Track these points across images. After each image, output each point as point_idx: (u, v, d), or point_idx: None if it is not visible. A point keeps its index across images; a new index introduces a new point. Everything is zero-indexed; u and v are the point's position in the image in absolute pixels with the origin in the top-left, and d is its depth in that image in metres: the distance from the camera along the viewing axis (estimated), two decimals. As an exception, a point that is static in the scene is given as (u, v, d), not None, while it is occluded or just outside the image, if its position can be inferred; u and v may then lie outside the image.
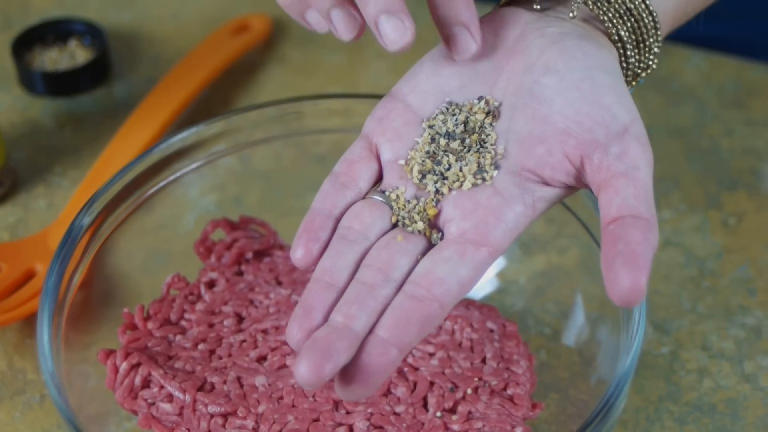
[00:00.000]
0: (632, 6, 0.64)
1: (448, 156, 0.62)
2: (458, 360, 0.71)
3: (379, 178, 0.63)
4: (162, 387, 0.69)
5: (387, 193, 0.62)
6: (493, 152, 0.62)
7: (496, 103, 0.63)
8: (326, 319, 0.57)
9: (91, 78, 0.96)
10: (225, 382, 0.69)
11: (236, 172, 0.81)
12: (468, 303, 0.75)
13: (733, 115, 0.93)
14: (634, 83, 0.66)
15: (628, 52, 0.64)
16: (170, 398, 0.68)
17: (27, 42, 0.96)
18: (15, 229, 0.86)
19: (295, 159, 0.82)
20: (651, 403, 0.75)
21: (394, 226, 0.61)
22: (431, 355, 0.71)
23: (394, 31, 0.60)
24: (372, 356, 0.56)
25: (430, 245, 0.61)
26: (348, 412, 0.68)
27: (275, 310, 0.74)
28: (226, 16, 1.01)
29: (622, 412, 0.74)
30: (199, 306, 0.74)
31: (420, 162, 0.62)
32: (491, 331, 0.73)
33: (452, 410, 0.69)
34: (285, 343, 0.72)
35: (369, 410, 0.68)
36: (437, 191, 0.62)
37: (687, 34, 0.92)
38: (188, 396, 0.68)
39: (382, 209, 0.61)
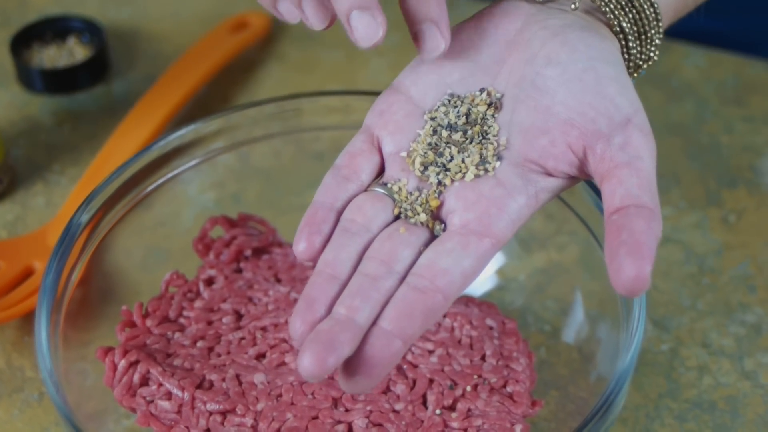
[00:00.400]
0: None
1: (450, 147, 0.62)
2: (458, 357, 0.71)
3: (381, 171, 0.63)
4: (161, 384, 0.68)
5: (389, 185, 0.62)
6: (495, 143, 0.62)
7: (498, 95, 0.63)
8: (329, 311, 0.57)
9: (90, 75, 0.96)
10: (224, 380, 0.69)
11: (235, 170, 0.81)
12: (467, 300, 0.75)
13: (732, 112, 0.93)
14: (635, 74, 0.66)
15: (630, 44, 0.64)
16: (169, 396, 0.68)
17: (25, 39, 0.96)
18: (13, 226, 0.86)
19: (294, 156, 0.82)
20: (651, 401, 0.74)
21: (397, 218, 0.61)
22: (431, 352, 0.71)
23: (366, 28, 0.59)
24: (375, 348, 0.56)
25: (433, 237, 0.60)
26: (347, 410, 0.68)
27: (274, 308, 0.74)
28: (225, 14, 1.01)
29: (622, 410, 0.73)
30: (198, 303, 0.74)
31: (422, 154, 0.62)
32: (491, 328, 0.73)
33: (452, 408, 0.69)
34: (284, 340, 0.72)
35: (368, 408, 0.68)
36: (439, 183, 0.61)
37: (687, 29, 0.91)
38: (187, 393, 0.68)
39: (385, 201, 0.61)
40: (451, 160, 0.62)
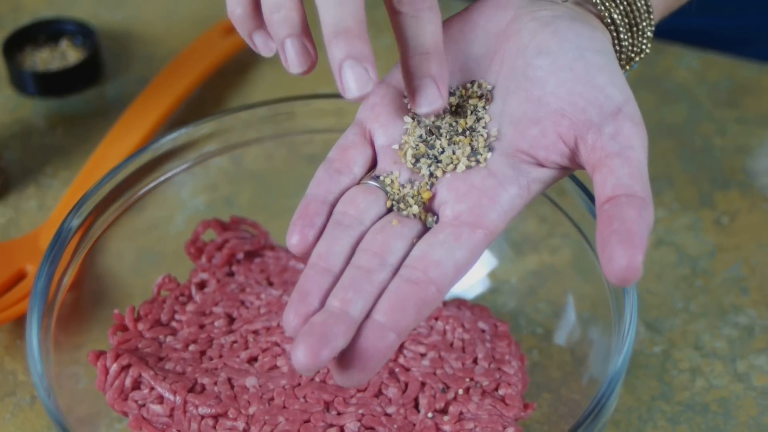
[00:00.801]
0: None
1: (440, 139, 0.62)
2: (450, 360, 0.71)
3: (374, 164, 0.63)
4: (152, 388, 0.68)
5: (381, 178, 0.62)
6: (486, 135, 0.62)
7: (489, 87, 0.63)
8: (323, 304, 0.57)
9: (83, 78, 0.96)
10: (216, 384, 0.69)
11: (227, 173, 0.81)
12: (459, 303, 0.75)
13: (725, 114, 0.93)
14: (628, 67, 0.66)
15: (621, 36, 0.64)
16: (161, 400, 0.68)
17: (18, 42, 0.96)
18: (6, 229, 0.86)
19: (287, 159, 0.82)
20: (643, 403, 0.74)
21: (389, 210, 0.61)
22: (422, 355, 0.71)
23: (356, 81, 0.58)
24: (369, 340, 0.56)
25: (426, 229, 0.60)
26: (339, 413, 0.68)
27: (266, 311, 0.74)
28: (218, 16, 1.01)
29: (615, 412, 0.73)
30: (190, 307, 0.74)
31: (413, 146, 0.62)
32: (483, 331, 0.73)
33: (443, 411, 0.69)
34: (276, 344, 0.72)
35: (360, 411, 0.68)
36: (431, 174, 0.61)
37: (681, 27, 0.92)
38: (179, 397, 0.68)
39: (377, 194, 0.61)
40: (442, 152, 0.62)
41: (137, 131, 0.89)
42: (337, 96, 0.78)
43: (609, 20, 0.64)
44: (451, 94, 0.63)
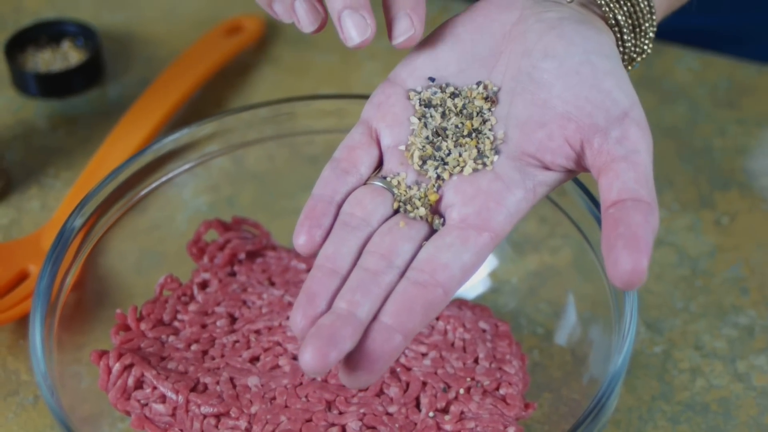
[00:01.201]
0: None
1: (447, 141, 0.62)
2: (451, 360, 0.71)
3: (380, 164, 0.63)
4: (155, 388, 0.69)
5: (388, 179, 0.62)
6: (491, 137, 0.62)
7: (495, 88, 0.63)
8: (330, 306, 0.57)
9: (84, 79, 0.96)
10: (218, 383, 0.69)
11: (229, 173, 0.81)
12: (460, 303, 0.75)
13: (725, 115, 0.94)
14: (630, 67, 0.66)
15: (625, 36, 0.65)
16: (163, 399, 0.68)
17: (20, 43, 0.97)
18: (8, 230, 0.86)
19: (288, 160, 0.82)
20: (644, 403, 0.75)
21: (396, 212, 0.61)
22: (424, 355, 0.71)
23: (355, 28, 0.61)
24: (376, 342, 0.56)
25: (432, 231, 0.61)
26: (340, 413, 0.68)
27: (268, 311, 0.74)
28: (219, 17, 1.01)
29: (615, 412, 0.74)
30: (192, 307, 0.74)
31: (420, 148, 0.62)
32: (484, 331, 0.73)
33: (445, 410, 0.69)
34: (278, 343, 0.72)
35: (361, 410, 0.68)
36: (438, 177, 0.62)
37: (680, 26, 0.92)
38: (181, 397, 0.68)
39: (384, 195, 0.61)
40: (449, 154, 0.62)
41: (139, 132, 0.89)
42: (338, 97, 0.79)
43: (613, 21, 0.64)
44: (456, 95, 0.63)
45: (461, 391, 0.69)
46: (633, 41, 0.65)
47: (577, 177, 0.71)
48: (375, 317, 0.57)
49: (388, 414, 0.68)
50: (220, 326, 0.73)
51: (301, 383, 0.69)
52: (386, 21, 0.62)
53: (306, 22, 0.63)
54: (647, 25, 0.65)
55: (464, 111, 0.63)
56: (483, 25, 0.64)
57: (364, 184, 0.62)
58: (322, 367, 0.55)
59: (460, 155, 0.62)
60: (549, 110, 0.61)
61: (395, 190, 0.61)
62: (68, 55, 0.97)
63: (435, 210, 0.61)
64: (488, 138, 0.62)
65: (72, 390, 0.69)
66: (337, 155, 0.63)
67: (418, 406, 0.69)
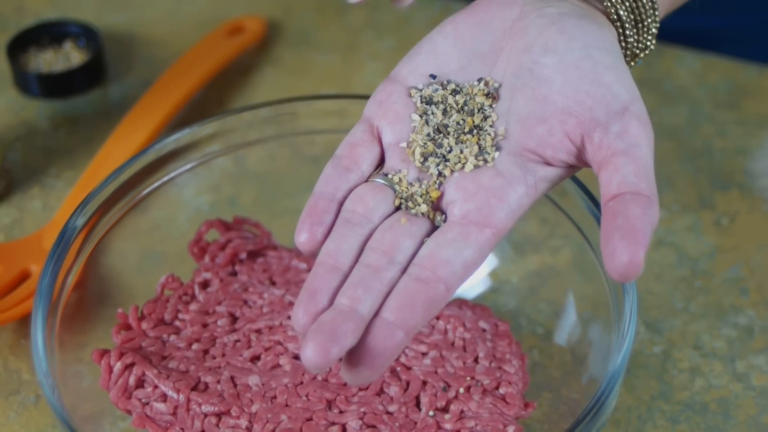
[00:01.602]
0: None
1: (448, 138, 0.62)
2: (451, 359, 0.71)
3: (381, 161, 0.63)
4: (156, 387, 0.69)
5: (389, 176, 0.62)
6: (492, 133, 0.62)
7: (495, 84, 0.63)
8: (332, 302, 0.57)
9: (86, 79, 0.96)
10: (219, 382, 0.69)
11: (230, 173, 0.82)
12: (461, 303, 0.75)
13: (725, 116, 0.94)
14: (633, 63, 0.66)
15: (627, 32, 0.65)
16: (164, 398, 0.69)
17: (22, 44, 0.97)
18: (10, 229, 0.86)
19: (289, 160, 0.82)
20: (643, 402, 0.75)
21: (398, 208, 0.62)
22: (424, 354, 0.72)
23: None
24: (378, 338, 0.56)
25: (434, 227, 0.61)
26: (341, 412, 0.68)
27: (269, 310, 0.74)
28: (221, 18, 1.02)
29: (615, 411, 0.74)
30: (193, 306, 0.74)
31: (422, 144, 0.62)
32: (484, 330, 0.73)
33: (445, 409, 0.69)
34: (278, 342, 0.72)
35: (362, 409, 0.68)
36: (439, 174, 0.62)
37: (681, 27, 0.92)
38: (182, 395, 0.68)
39: (385, 192, 0.62)
40: (450, 151, 0.62)
41: (140, 132, 0.89)
42: (339, 97, 0.79)
43: (615, 17, 0.64)
44: (458, 91, 0.63)
45: (461, 390, 0.70)
46: (635, 36, 0.65)
47: (578, 178, 0.71)
48: (377, 313, 0.57)
49: (388, 413, 0.69)
50: (221, 325, 0.73)
51: (301, 382, 0.70)
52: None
53: None
54: (650, 20, 0.65)
55: (465, 108, 0.63)
56: (484, 22, 0.64)
57: (366, 181, 0.62)
58: (324, 362, 0.55)
59: (462, 152, 0.62)
60: (549, 105, 0.61)
61: (397, 187, 0.62)
62: (70, 56, 0.97)
63: (436, 207, 0.61)
64: (489, 135, 0.62)
65: (73, 389, 0.69)
66: (338, 153, 0.63)
67: (418, 405, 0.69)
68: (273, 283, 0.76)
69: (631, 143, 0.59)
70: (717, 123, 0.93)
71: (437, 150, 0.62)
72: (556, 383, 0.73)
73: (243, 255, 0.77)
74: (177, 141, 0.77)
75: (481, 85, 0.63)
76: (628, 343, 0.64)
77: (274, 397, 0.69)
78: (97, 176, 0.85)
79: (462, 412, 0.69)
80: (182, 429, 0.68)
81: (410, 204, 0.61)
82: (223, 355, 0.72)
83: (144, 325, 0.73)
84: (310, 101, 0.79)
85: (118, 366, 0.69)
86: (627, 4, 0.64)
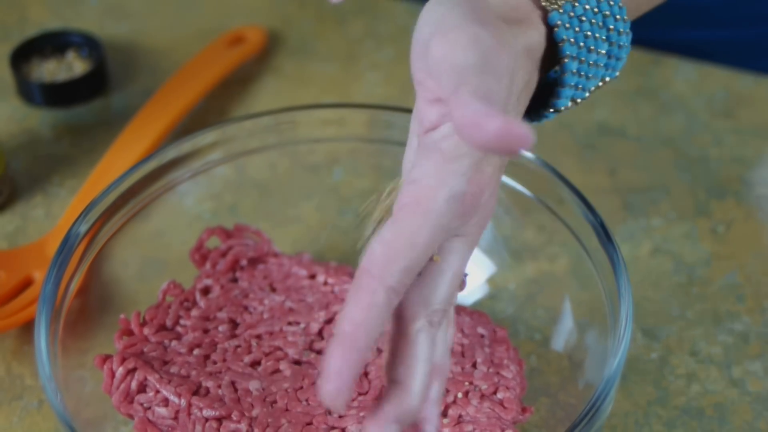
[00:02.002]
0: None
1: None
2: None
3: None
4: (158, 391, 0.69)
5: None
6: None
7: None
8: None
9: (89, 89, 0.97)
10: (219, 387, 0.70)
11: (231, 181, 0.82)
12: (459, 309, 0.76)
13: (722, 125, 0.94)
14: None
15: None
16: (166, 402, 0.69)
17: (25, 53, 0.97)
18: (13, 237, 0.87)
19: (290, 168, 0.83)
20: (640, 408, 0.75)
21: None
22: (422, 359, 0.72)
23: None
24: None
25: None
26: (340, 416, 0.69)
27: (269, 316, 0.75)
28: (222, 28, 1.02)
29: (612, 417, 0.74)
30: (195, 312, 0.75)
31: None
32: (482, 336, 0.74)
33: (443, 414, 0.69)
34: (278, 348, 0.73)
35: (361, 414, 0.69)
36: None
37: (677, 40, 0.92)
38: (183, 400, 0.69)
39: None
40: None
41: (142, 141, 0.89)
42: (339, 106, 0.80)
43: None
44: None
45: (459, 395, 0.70)
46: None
47: (575, 186, 0.72)
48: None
49: (387, 417, 0.69)
50: (222, 331, 0.74)
51: (301, 387, 0.70)
52: None
53: None
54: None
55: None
56: None
57: None
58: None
59: None
60: None
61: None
62: (73, 66, 0.98)
63: None
64: None
65: (76, 394, 0.69)
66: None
67: (416, 409, 0.70)
68: (273, 290, 0.77)
69: None
70: (713, 132, 0.94)
71: None
72: (554, 388, 0.74)
73: (244, 262, 0.78)
74: (178, 149, 0.77)
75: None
76: (624, 348, 0.65)
77: (275, 402, 0.70)
78: (99, 184, 0.85)
79: (460, 416, 0.69)
80: (183, 433, 0.68)
81: None
82: (224, 360, 0.72)
83: (146, 331, 0.73)
84: (310, 110, 0.80)
85: (120, 371, 0.70)
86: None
